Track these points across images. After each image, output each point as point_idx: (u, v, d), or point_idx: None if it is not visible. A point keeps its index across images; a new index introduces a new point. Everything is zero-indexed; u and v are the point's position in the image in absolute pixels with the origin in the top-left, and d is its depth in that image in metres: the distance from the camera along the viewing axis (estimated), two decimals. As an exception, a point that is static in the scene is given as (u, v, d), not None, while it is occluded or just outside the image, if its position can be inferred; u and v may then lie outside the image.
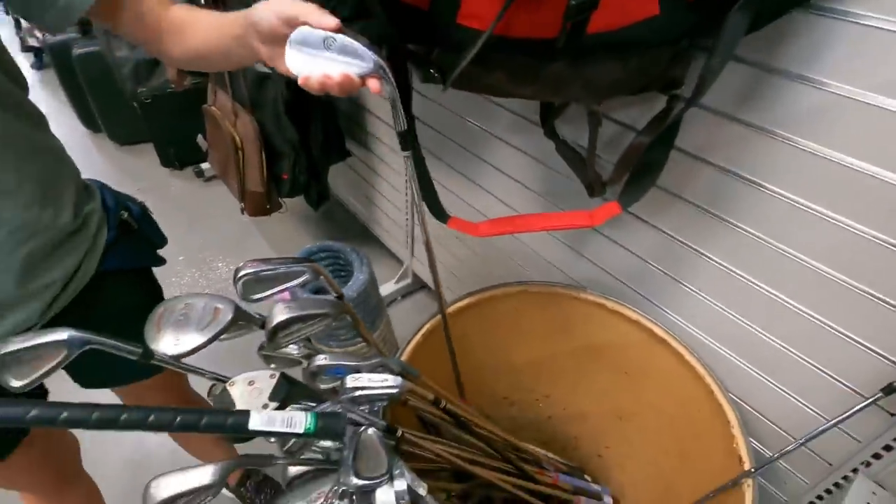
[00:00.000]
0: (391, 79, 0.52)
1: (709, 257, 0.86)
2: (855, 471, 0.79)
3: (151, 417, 0.41)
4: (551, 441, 1.25)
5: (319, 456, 0.58)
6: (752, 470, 0.75)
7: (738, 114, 0.72)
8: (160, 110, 2.32)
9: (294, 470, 0.62)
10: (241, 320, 0.56)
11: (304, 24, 0.49)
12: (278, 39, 0.51)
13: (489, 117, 1.14)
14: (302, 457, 0.56)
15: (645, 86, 0.72)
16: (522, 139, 1.10)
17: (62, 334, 0.45)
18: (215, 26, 0.58)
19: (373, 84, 0.51)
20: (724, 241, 0.82)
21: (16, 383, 0.46)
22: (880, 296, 0.67)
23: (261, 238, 2.19)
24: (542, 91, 0.74)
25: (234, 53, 0.58)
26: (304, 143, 1.51)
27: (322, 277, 0.59)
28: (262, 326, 0.60)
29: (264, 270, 0.55)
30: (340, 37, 0.49)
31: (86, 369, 0.75)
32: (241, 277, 0.54)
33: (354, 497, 0.53)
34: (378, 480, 0.52)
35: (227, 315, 0.55)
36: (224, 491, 1.33)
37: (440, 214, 0.78)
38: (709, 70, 0.54)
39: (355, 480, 0.51)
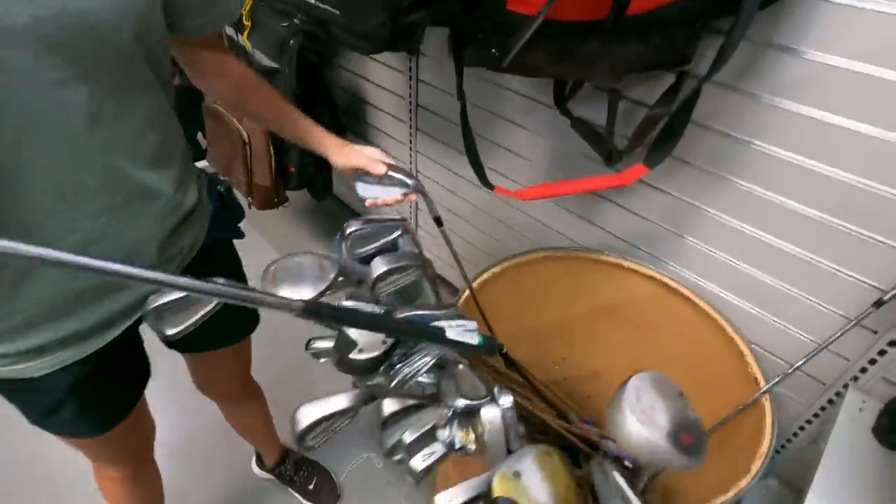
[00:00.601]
0: (426, 194, 0.75)
1: (711, 212, 0.98)
2: (846, 387, 0.93)
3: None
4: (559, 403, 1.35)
5: (422, 391, 0.66)
6: (768, 385, 0.87)
7: (738, 84, 0.84)
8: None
9: (388, 410, 0.69)
10: (342, 276, 0.63)
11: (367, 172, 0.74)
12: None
13: (500, 101, 1.23)
14: (405, 389, 0.63)
15: (660, 63, 0.83)
16: (533, 120, 1.20)
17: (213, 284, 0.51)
18: (289, 118, 0.81)
19: (412, 197, 0.74)
20: (725, 197, 0.95)
21: (170, 331, 0.52)
22: (860, 230, 0.81)
23: (258, 236, 2.21)
24: (573, 69, 0.84)
25: (294, 138, 0.82)
26: (311, 136, 1.56)
27: (407, 236, 0.67)
28: (358, 283, 0.67)
29: (365, 228, 0.62)
30: (391, 173, 0.74)
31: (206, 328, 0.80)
32: (349, 235, 0.61)
33: (460, 418, 0.61)
34: (482, 400, 0.60)
35: (332, 270, 0.62)
36: (259, 472, 1.37)
37: (487, 185, 0.86)
38: (729, 43, 0.65)
39: (462, 401, 0.59)
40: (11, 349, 0.61)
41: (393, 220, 0.66)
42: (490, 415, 0.59)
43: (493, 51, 0.72)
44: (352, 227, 0.62)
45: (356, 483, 1.39)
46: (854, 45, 0.72)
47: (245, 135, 1.54)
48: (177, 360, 0.93)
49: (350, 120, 1.78)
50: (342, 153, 0.76)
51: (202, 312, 0.52)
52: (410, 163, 1.64)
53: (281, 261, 0.61)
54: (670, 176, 1.01)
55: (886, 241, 0.79)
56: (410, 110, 1.51)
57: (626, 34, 0.75)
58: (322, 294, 0.59)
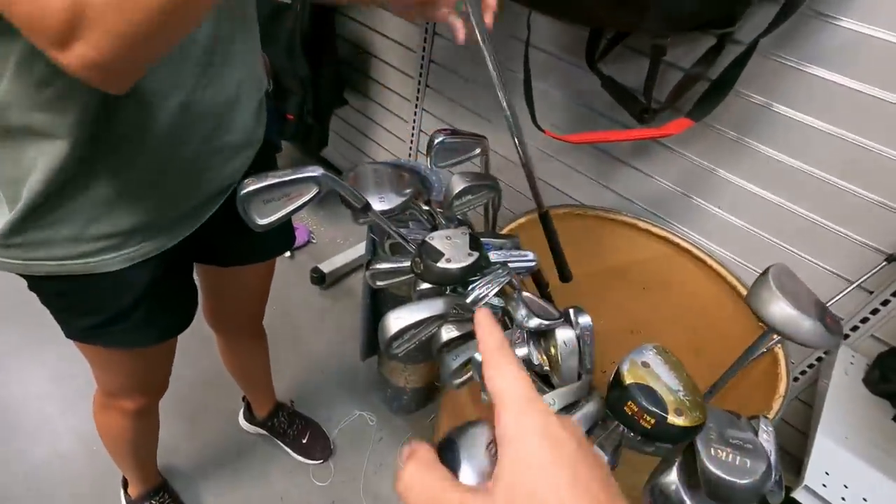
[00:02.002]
0: None
1: (729, 177, 1.03)
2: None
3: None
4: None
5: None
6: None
7: (773, 50, 0.88)
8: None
9: (446, 336, 0.68)
10: (421, 187, 0.61)
11: None
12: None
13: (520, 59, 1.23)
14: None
15: (711, 19, 0.86)
16: (560, 79, 1.20)
17: (314, 171, 0.48)
18: None
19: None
20: (744, 162, 1.00)
21: (261, 220, 0.48)
22: (870, 194, 0.88)
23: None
24: (627, 18, 0.85)
25: None
26: (314, 81, 1.49)
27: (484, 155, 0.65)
28: (428, 203, 0.65)
29: (451, 140, 0.61)
30: None
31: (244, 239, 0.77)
32: (437, 144, 0.59)
33: (534, 338, 0.61)
34: (556, 321, 0.60)
35: (414, 180, 0.60)
36: (247, 426, 1.32)
37: (537, 125, 0.86)
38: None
39: (537, 320, 0.59)
40: (106, 230, 0.60)
41: (475, 135, 0.64)
42: (565, 335, 0.60)
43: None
44: (439, 138, 0.60)
45: (348, 439, 1.37)
46: (889, 15, 0.77)
47: (243, 74, 1.45)
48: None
49: (352, 74, 1.72)
50: None
51: (297, 204, 0.49)
52: (414, 122, 1.61)
53: (359, 168, 0.59)
54: (690, 140, 1.05)
55: (891, 205, 0.86)
56: (422, 65, 1.47)
57: (687, -16, 0.77)
58: (409, 199, 0.57)
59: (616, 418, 0.41)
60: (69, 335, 0.69)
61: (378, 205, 0.56)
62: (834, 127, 0.88)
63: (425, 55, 1.45)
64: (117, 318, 0.66)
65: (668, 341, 1.23)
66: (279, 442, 1.30)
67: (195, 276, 0.83)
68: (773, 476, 0.44)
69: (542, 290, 0.82)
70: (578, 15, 0.87)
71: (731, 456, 0.37)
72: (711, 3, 0.81)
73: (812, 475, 0.75)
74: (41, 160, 0.53)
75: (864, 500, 0.74)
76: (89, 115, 0.52)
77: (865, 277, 0.89)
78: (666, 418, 0.37)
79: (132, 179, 0.59)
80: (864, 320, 0.97)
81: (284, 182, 0.47)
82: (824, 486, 0.74)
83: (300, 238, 1.87)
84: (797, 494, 0.75)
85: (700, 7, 0.81)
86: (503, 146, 1.40)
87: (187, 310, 0.78)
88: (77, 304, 0.65)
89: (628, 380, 0.40)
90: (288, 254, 1.81)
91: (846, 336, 1.00)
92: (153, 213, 0.62)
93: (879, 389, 0.90)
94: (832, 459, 0.78)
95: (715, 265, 1.05)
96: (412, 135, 1.65)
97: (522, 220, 1.06)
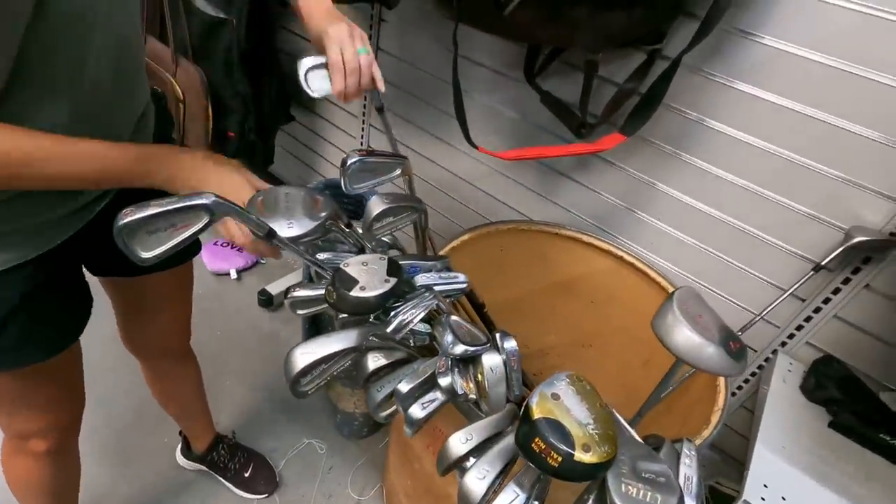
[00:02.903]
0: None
1: (666, 189, 1.04)
2: (774, 352, 1.03)
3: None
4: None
5: (410, 342, 0.62)
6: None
7: (701, 66, 0.90)
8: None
9: (372, 365, 0.65)
10: (338, 214, 0.58)
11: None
12: None
13: (468, 75, 1.22)
14: (399, 336, 0.59)
15: (639, 36, 0.87)
16: (500, 95, 1.20)
17: (203, 198, 0.44)
18: None
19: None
20: (681, 175, 1.01)
21: (145, 254, 0.44)
22: (798, 205, 0.90)
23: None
24: (558, 33, 0.85)
25: None
26: (255, 98, 1.45)
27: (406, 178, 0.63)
28: (349, 226, 0.62)
29: (366, 161, 0.58)
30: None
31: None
32: (349, 166, 0.56)
33: (459, 366, 0.59)
34: (482, 346, 0.58)
35: (327, 205, 0.57)
36: (185, 462, 1.24)
37: (471, 143, 0.85)
38: (718, 7, 0.69)
39: (462, 347, 0.57)
40: None
41: (395, 155, 0.61)
42: (491, 361, 0.57)
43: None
44: (353, 159, 0.57)
45: (297, 470, 1.30)
46: (805, 33, 0.80)
47: (179, 91, 1.39)
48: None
49: (297, 90, 1.67)
50: (321, 16, 0.63)
51: (185, 235, 0.45)
52: (362, 136, 1.58)
53: (268, 192, 0.55)
54: (629, 153, 1.06)
55: (818, 215, 0.89)
56: (366, 80, 1.45)
57: (614, 4, 0.77)
58: (321, 225, 0.53)
59: (525, 456, 0.38)
60: None
61: (286, 231, 0.52)
62: (760, 140, 0.90)
63: (369, 71, 1.43)
64: None
65: (618, 353, 1.23)
66: (220, 477, 1.22)
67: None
68: (695, 503, 0.43)
69: (479, 310, 0.80)
70: (512, 31, 0.87)
71: (641, 492, 0.35)
72: (638, 20, 0.81)
73: (751, 489, 0.75)
74: None
75: (802, 510, 0.74)
76: None
77: (796, 286, 0.91)
78: (573, 455, 0.35)
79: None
80: (800, 328, 0.98)
81: (169, 211, 0.43)
82: (763, 499, 0.74)
83: (248, 259, 1.80)
84: (737, 509, 0.75)
85: (628, 24, 0.81)
86: (449, 161, 1.39)
87: (75, 319, 0.70)
88: None
89: (536, 414, 0.38)
90: (234, 275, 1.74)
91: (783, 344, 1.02)
92: (14, 221, 0.57)
93: (815, 396, 0.91)
94: (770, 471, 0.78)
95: (657, 277, 1.06)
96: (361, 145, 1.62)
97: (464, 237, 1.05)
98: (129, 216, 0.42)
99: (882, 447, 0.82)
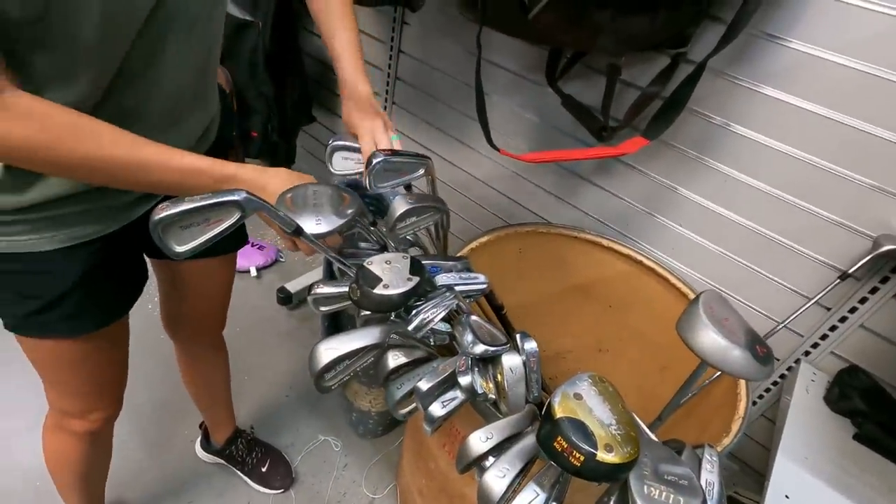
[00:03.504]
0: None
1: (688, 195, 1.03)
2: (797, 362, 1.01)
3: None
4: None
5: (431, 340, 0.63)
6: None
7: (727, 70, 0.89)
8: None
9: (392, 363, 0.66)
10: (364, 212, 0.59)
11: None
12: None
13: (490, 78, 1.23)
14: (421, 335, 0.60)
15: (662, 41, 0.86)
16: (521, 97, 1.21)
17: (235, 195, 0.45)
18: (336, 28, 0.74)
19: None
20: (704, 180, 1.00)
21: (179, 248, 0.46)
22: (823, 212, 0.88)
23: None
24: (581, 38, 0.85)
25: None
26: (278, 99, 1.47)
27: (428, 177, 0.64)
28: (374, 224, 0.63)
29: (391, 160, 0.59)
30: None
31: None
32: (375, 164, 0.57)
33: (479, 365, 0.59)
34: (502, 347, 0.58)
35: (355, 203, 0.58)
36: (204, 455, 1.26)
37: (493, 145, 0.85)
38: (745, 12, 0.69)
39: (483, 347, 0.57)
40: (51, 213, 0.59)
41: (419, 156, 0.62)
42: (511, 362, 0.58)
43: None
44: (378, 158, 0.58)
45: (312, 467, 1.32)
46: (834, 37, 0.79)
47: (205, 91, 1.42)
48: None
49: (319, 91, 1.71)
50: (358, 106, 0.70)
51: (218, 230, 0.47)
52: (382, 138, 1.59)
53: (297, 188, 0.56)
54: (652, 158, 1.05)
55: (846, 223, 0.87)
56: (388, 83, 1.47)
57: (637, 9, 0.77)
58: (349, 222, 0.54)
59: (547, 455, 0.38)
60: (6, 326, 0.67)
61: (313, 228, 0.53)
62: (786, 146, 0.89)
63: (391, 73, 1.45)
64: (51, 305, 0.64)
65: (635, 359, 1.22)
66: (237, 471, 1.24)
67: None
68: (716, 510, 0.42)
69: (497, 312, 0.80)
70: (535, 35, 0.87)
71: (664, 494, 0.35)
72: (662, 24, 0.81)
73: (772, 499, 0.74)
74: None
75: (824, 523, 0.73)
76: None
77: (821, 295, 0.89)
78: (595, 455, 0.35)
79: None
80: (824, 337, 0.97)
81: (202, 207, 0.45)
82: (784, 509, 0.73)
83: (268, 257, 1.82)
84: (757, 519, 0.73)
85: (651, 28, 0.81)
86: (468, 162, 1.40)
87: (129, 293, 0.75)
88: (11, 288, 0.63)
89: (559, 413, 0.38)
90: (254, 273, 1.77)
91: (807, 353, 1.00)
92: (98, 202, 0.61)
93: (839, 407, 0.89)
94: (792, 481, 0.76)
95: (677, 283, 1.05)
96: (380, 152, 1.63)
97: (483, 238, 1.05)
98: (165, 211, 0.43)
99: (909, 461, 0.80)
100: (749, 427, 1.15)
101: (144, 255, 0.79)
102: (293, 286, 1.67)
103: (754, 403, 1.11)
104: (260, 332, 1.61)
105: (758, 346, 0.39)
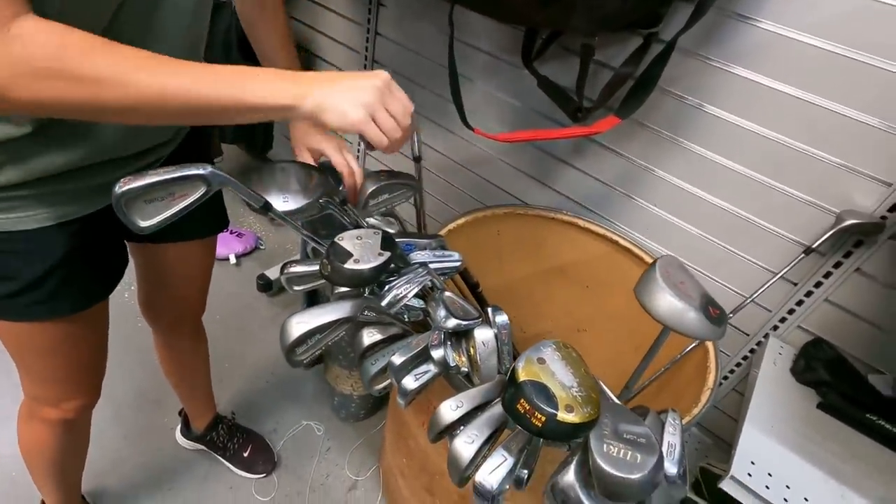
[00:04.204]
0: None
1: (662, 174, 1.05)
2: (766, 336, 1.04)
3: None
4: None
5: (405, 317, 0.63)
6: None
7: (698, 49, 0.91)
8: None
9: (367, 340, 0.66)
10: (333, 191, 0.59)
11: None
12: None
13: (466, 59, 1.22)
14: (394, 311, 0.61)
15: (635, 20, 0.87)
16: (498, 79, 1.21)
17: (200, 168, 0.45)
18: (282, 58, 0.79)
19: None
20: (677, 160, 1.02)
21: (143, 223, 0.45)
22: (790, 189, 0.91)
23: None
24: (554, 17, 0.85)
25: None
26: (254, 83, 1.45)
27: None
28: (344, 203, 0.63)
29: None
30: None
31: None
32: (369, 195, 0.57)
33: (452, 339, 0.60)
34: (474, 321, 0.59)
35: (322, 182, 0.58)
36: (184, 441, 1.26)
37: (467, 124, 0.85)
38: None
39: (455, 321, 0.58)
40: (32, 191, 0.58)
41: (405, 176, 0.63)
42: (483, 335, 0.59)
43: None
44: (373, 187, 0.58)
45: (294, 451, 1.32)
46: (802, 17, 0.80)
47: (178, 74, 1.39)
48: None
49: (295, 74, 1.68)
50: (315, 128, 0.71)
51: (183, 204, 0.46)
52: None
53: (264, 167, 0.56)
54: (627, 138, 1.06)
55: (810, 199, 0.89)
56: (365, 66, 1.45)
57: (609, -16, 0.77)
58: (317, 200, 0.54)
59: (511, 417, 0.39)
60: None
61: (281, 205, 0.53)
62: (756, 125, 0.90)
63: (368, 56, 1.43)
64: (30, 286, 0.62)
65: (611, 339, 1.24)
66: (219, 457, 1.24)
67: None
68: (677, 470, 0.44)
69: (473, 290, 0.81)
70: (508, 14, 0.87)
71: (622, 451, 0.37)
72: (633, 3, 0.82)
73: (738, 465, 0.76)
74: None
75: (788, 486, 0.75)
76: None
77: (786, 269, 0.92)
78: (556, 415, 0.36)
79: (80, 155, 0.59)
80: (791, 312, 1.00)
81: (167, 181, 0.44)
82: (749, 475, 0.75)
83: (248, 244, 1.81)
84: (724, 485, 0.76)
85: (623, 6, 0.82)
86: (446, 146, 1.39)
87: (109, 276, 0.74)
88: None
89: (522, 377, 0.39)
90: (233, 260, 1.75)
91: (775, 328, 1.03)
92: (74, 181, 0.60)
93: (805, 378, 0.93)
94: (758, 449, 0.79)
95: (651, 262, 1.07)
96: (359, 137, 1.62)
97: (461, 220, 1.05)
98: (127, 184, 0.43)
99: (868, 427, 0.84)
100: (721, 401, 1.19)
101: (124, 241, 0.78)
102: (273, 273, 1.66)
103: (725, 378, 1.15)
104: (240, 319, 1.60)
105: (711, 308, 0.41)
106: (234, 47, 1.35)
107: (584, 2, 0.80)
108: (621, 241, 1.10)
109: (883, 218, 0.83)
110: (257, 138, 1.57)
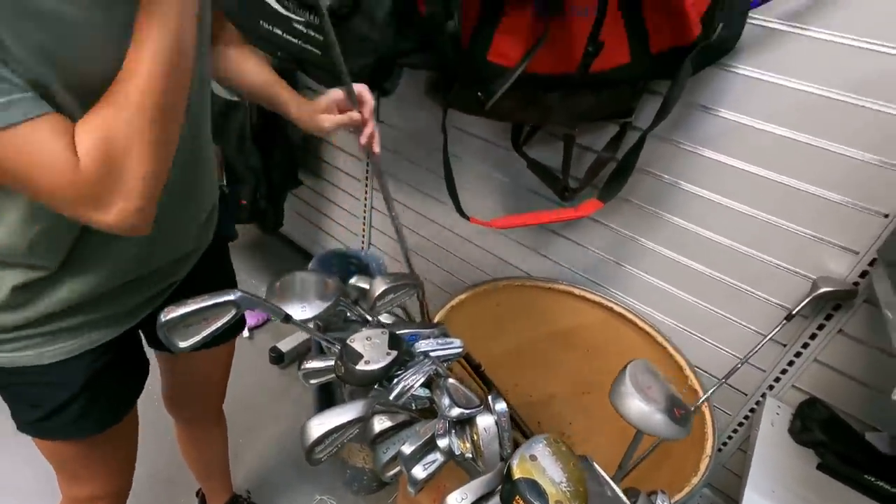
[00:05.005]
0: None
1: (649, 244, 1.12)
2: (763, 396, 1.08)
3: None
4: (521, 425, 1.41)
5: (412, 405, 0.69)
6: (707, 392, 0.99)
7: (670, 136, 1.00)
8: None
9: (378, 427, 0.71)
10: (346, 293, 0.66)
11: None
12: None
13: (461, 143, 1.33)
14: (402, 402, 0.66)
15: (608, 114, 0.97)
16: (491, 161, 1.31)
17: (232, 295, 0.52)
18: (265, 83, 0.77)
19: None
20: (662, 232, 1.09)
21: (182, 344, 0.52)
22: (768, 257, 0.97)
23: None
24: (536, 115, 0.95)
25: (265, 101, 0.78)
26: (266, 169, 1.57)
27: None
28: (356, 302, 0.70)
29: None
30: None
31: None
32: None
33: (456, 427, 0.65)
34: (476, 409, 0.64)
35: (337, 288, 0.65)
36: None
37: (463, 214, 0.94)
38: (670, 98, 0.79)
39: (458, 410, 0.63)
40: (51, 327, 0.61)
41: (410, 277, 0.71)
42: (485, 422, 0.64)
43: (479, 94, 0.81)
44: (381, 288, 0.66)
45: (309, 527, 1.33)
46: (757, 107, 0.89)
47: (196, 166, 1.51)
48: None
49: (305, 157, 1.81)
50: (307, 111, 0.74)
51: (216, 325, 0.53)
52: (366, 199, 1.69)
53: (284, 277, 0.63)
54: (613, 213, 1.14)
55: (789, 267, 0.96)
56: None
57: (582, 89, 0.88)
58: (333, 307, 0.61)
59: (509, 514, 0.44)
60: (20, 428, 0.69)
61: (300, 314, 0.60)
62: (729, 200, 0.98)
63: (371, 140, 1.55)
64: (57, 410, 0.66)
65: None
66: (235, 536, 1.25)
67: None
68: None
69: (476, 370, 0.87)
70: (496, 116, 0.97)
71: (609, 543, 0.41)
72: (606, 100, 0.92)
73: (742, 534, 0.78)
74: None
75: (792, 554, 0.77)
76: (63, 249, 0.56)
77: (773, 332, 0.96)
78: (548, 512, 0.41)
79: (95, 286, 0.62)
80: (784, 371, 1.04)
81: (203, 308, 0.51)
82: (753, 544, 0.77)
83: (260, 317, 1.87)
84: (730, 555, 0.78)
85: (597, 104, 0.92)
86: (448, 219, 1.48)
87: (132, 391, 0.77)
88: (22, 396, 0.66)
89: (517, 474, 0.44)
90: (246, 334, 1.81)
91: (771, 387, 1.06)
92: (100, 312, 0.64)
93: (802, 439, 0.95)
94: (760, 516, 0.81)
95: (646, 327, 1.12)
96: (364, 211, 1.72)
97: (462, 296, 1.12)
98: (170, 314, 0.50)
99: (867, 488, 0.86)
100: (727, 460, 1.20)
101: (144, 352, 0.81)
102: (285, 345, 1.71)
103: (730, 437, 1.17)
104: (254, 393, 1.64)
105: (676, 409, 0.46)
106: (249, 141, 1.48)
107: (561, 103, 0.90)
108: (616, 308, 1.16)
109: (855, 284, 0.89)
110: (269, 218, 1.67)
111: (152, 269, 0.69)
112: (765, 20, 0.83)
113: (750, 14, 0.82)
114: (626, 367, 0.50)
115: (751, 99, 0.89)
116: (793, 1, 0.80)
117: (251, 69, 0.78)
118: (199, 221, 0.74)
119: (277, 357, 1.69)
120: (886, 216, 0.83)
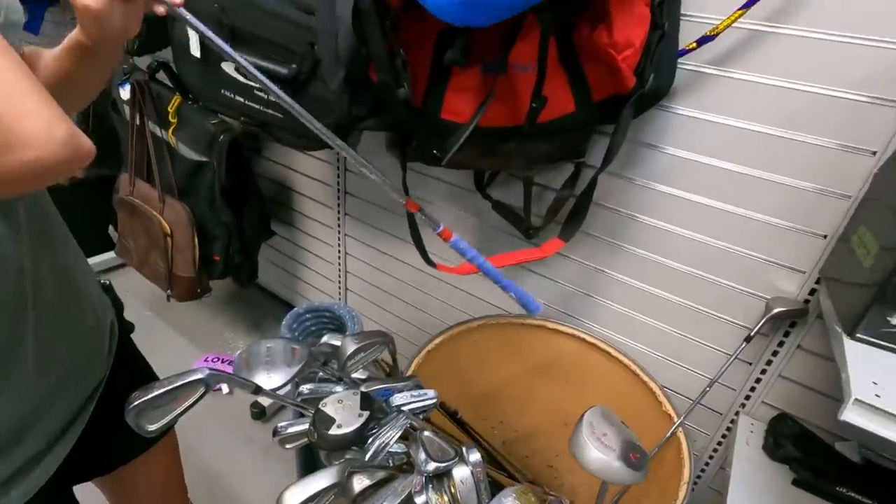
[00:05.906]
0: None
1: (613, 275, 1.16)
2: (737, 414, 1.11)
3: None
4: (505, 464, 1.41)
5: (390, 462, 0.69)
6: (680, 418, 1.01)
7: (621, 172, 1.05)
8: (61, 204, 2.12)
9: (357, 487, 0.71)
10: (313, 359, 0.68)
11: None
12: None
13: (426, 187, 1.37)
14: (378, 461, 0.67)
15: (562, 157, 1.02)
16: (457, 204, 1.35)
17: (200, 374, 0.53)
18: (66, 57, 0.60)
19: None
20: (624, 262, 1.14)
21: (151, 427, 0.53)
22: (724, 280, 1.02)
23: (170, 329, 2.07)
24: (495, 162, 1.00)
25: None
26: (238, 224, 1.58)
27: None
28: (325, 363, 0.71)
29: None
30: None
31: (104, 443, 0.73)
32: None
33: (433, 481, 0.66)
34: (452, 461, 0.65)
35: (304, 354, 0.66)
36: None
37: (430, 263, 0.96)
38: (614, 143, 0.84)
39: (433, 464, 0.64)
40: None
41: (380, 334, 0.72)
42: (461, 474, 0.65)
43: (435, 152, 0.85)
44: (352, 348, 0.68)
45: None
46: (698, 143, 0.95)
47: (167, 227, 1.52)
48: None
49: (277, 207, 1.83)
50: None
51: (186, 405, 0.54)
52: (339, 244, 1.70)
53: (252, 347, 0.64)
54: (579, 246, 1.19)
55: (744, 289, 1.00)
56: (339, 197, 1.60)
57: (536, 137, 0.93)
58: (299, 373, 0.62)
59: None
60: None
61: (267, 382, 0.61)
62: (683, 229, 1.03)
63: (340, 188, 1.58)
64: None
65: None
66: None
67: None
68: None
69: (453, 417, 0.88)
70: (455, 166, 1.01)
71: None
72: (559, 145, 0.97)
73: (724, 559, 0.80)
74: None
75: (774, 575, 0.79)
76: None
77: (738, 352, 1.00)
78: (519, 569, 0.43)
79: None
80: (753, 389, 1.07)
81: (171, 390, 0.52)
82: (736, 568, 0.79)
83: (239, 370, 1.85)
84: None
85: (550, 149, 0.97)
86: (421, 261, 1.51)
87: None
88: None
89: (489, 532, 0.45)
90: (226, 389, 1.78)
91: (742, 405, 1.10)
92: (15, 460, 0.57)
93: (776, 455, 0.98)
94: (741, 538, 0.83)
95: (618, 355, 1.15)
96: (339, 258, 1.74)
97: (438, 340, 1.14)
98: (139, 399, 0.51)
99: (841, 500, 0.88)
100: (712, 480, 1.22)
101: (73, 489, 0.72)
102: (266, 399, 1.69)
103: (711, 457, 1.19)
104: (235, 450, 1.61)
105: (632, 454, 0.48)
106: (219, 199, 1.49)
107: (517, 151, 0.95)
108: (587, 339, 1.19)
109: (806, 301, 0.94)
110: (243, 272, 1.67)
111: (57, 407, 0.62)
112: (696, 65, 0.90)
113: (681, 60, 0.89)
114: (582, 416, 0.52)
115: (691, 136, 0.95)
116: (719, 45, 0.87)
117: (56, 64, 0.61)
118: (101, 350, 0.69)
119: (259, 412, 1.66)
120: (825, 237, 0.89)
